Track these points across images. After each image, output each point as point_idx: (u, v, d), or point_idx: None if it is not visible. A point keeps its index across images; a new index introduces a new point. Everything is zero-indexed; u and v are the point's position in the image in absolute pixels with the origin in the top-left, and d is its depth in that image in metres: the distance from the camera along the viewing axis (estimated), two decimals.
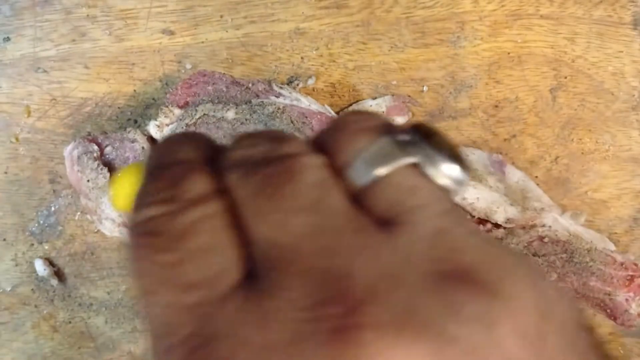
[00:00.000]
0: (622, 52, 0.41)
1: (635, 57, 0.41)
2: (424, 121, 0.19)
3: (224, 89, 0.36)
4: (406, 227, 0.16)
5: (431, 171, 0.17)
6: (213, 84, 0.36)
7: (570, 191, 0.41)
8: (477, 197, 0.36)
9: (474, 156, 0.40)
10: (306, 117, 0.35)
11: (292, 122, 0.35)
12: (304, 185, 0.16)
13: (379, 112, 0.18)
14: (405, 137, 0.17)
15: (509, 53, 0.41)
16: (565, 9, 0.41)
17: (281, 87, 0.36)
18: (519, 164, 0.41)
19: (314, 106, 0.36)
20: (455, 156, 0.17)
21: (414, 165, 0.17)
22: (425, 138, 0.17)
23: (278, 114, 0.35)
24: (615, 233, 0.42)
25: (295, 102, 0.35)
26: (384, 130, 0.17)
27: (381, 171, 0.16)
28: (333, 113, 0.36)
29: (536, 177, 0.41)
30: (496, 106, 0.41)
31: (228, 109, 0.34)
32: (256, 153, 0.17)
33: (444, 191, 0.17)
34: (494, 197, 0.36)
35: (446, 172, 0.17)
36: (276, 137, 0.17)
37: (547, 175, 0.41)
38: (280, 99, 0.35)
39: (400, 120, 0.40)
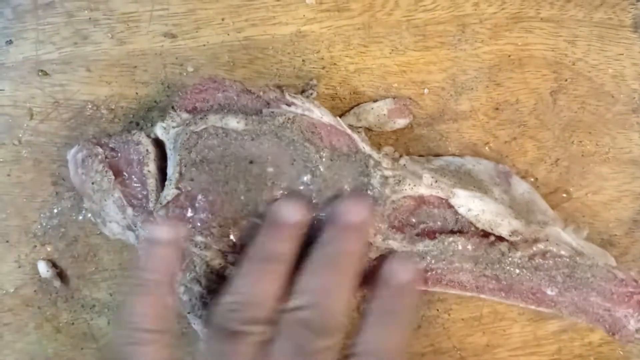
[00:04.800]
0: (622, 54, 0.41)
1: (635, 60, 0.42)
2: None
3: (235, 97, 0.35)
4: None
5: None
6: (223, 91, 0.35)
7: (570, 193, 0.42)
8: (483, 209, 0.36)
9: (481, 166, 0.40)
10: (316, 128, 0.35)
11: (302, 132, 0.35)
12: None
13: None
14: None
15: (509, 56, 0.41)
16: (566, 11, 0.41)
17: (294, 97, 0.36)
18: (519, 166, 0.41)
19: (326, 118, 0.35)
20: None
21: None
22: None
23: (288, 124, 0.34)
24: (615, 235, 0.42)
25: (307, 112, 0.35)
26: None
27: None
28: (345, 126, 0.36)
29: (536, 179, 0.41)
30: (497, 109, 0.41)
31: (238, 121, 0.34)
32: (304, 340, 0.30)
33: None
34: (499, 209, 0.36)
35: None
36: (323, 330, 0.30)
37: (547, 178, 0.41)
38: (292, 108, 0.35)
39: (401, 122, 0.40)
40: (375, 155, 0.36)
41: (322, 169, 0.34)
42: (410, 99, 0.40)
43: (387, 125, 0.40)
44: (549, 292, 0.36)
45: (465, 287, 0.36)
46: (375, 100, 0.40)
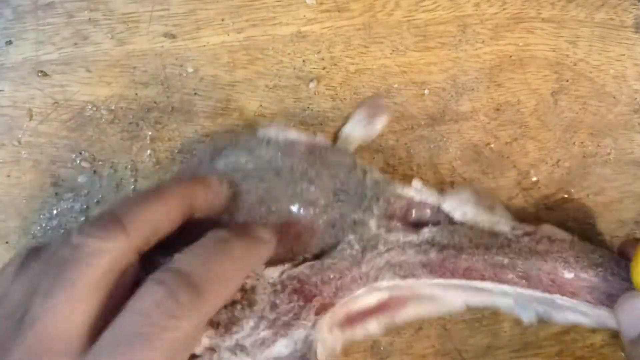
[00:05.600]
0: (623, 55, 0.41)
1: (637, 61, 0.41)
2: None
3: None
4: None
5: None
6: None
7: (572, 195, 0.41)
8: (477, 212, 0.36)
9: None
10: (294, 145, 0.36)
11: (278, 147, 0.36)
12: None
13: None
14: None
15: (510, 56, 0.41)
16: (567, 12, 0.41)
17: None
18: (521, 167, 0.41)
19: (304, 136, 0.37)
20: None
21: None
22: None
23: (264, 144, 0.36)
24: (617, 236, 0.42)
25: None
26: None
27: None
28: (325, 139, 0.37)
29: (537, 180, 0.41)
30: (498, 109, 0.41)
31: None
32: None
33: None
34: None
35: None
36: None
37: (549, 179, 0.41)
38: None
39: (382, 119, 0.39)
40: (362, 162, 0.37)
41: (308, 173, 0.34)
42: (378, 96, 0.40)
43: (372, 129, 0.39)
44: (566, 274, 0.36)
45: (484, 276, 0.36)
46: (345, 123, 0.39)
